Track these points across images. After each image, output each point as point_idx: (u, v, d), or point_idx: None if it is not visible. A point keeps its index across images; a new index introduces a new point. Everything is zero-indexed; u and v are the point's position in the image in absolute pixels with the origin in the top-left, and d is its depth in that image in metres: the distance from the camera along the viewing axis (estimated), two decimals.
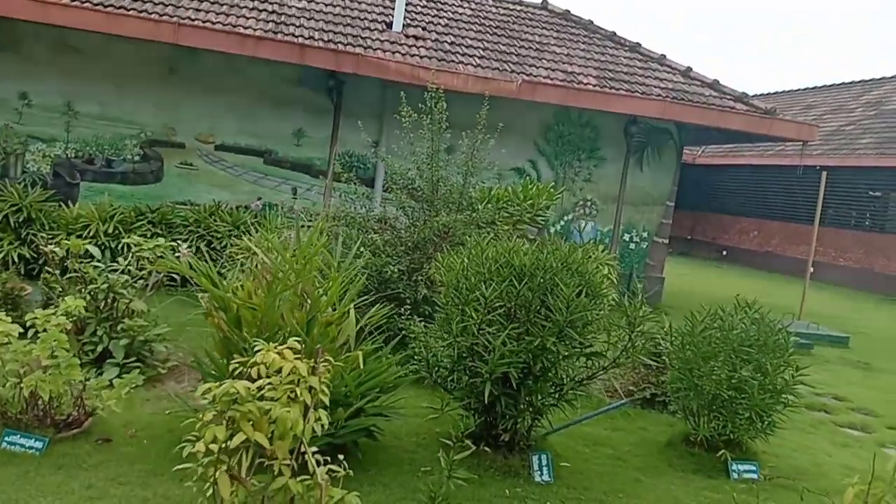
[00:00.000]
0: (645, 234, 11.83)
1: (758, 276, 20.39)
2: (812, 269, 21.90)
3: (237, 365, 2.91)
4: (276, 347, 2.84)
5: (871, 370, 8.99)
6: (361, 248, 6.26)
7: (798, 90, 27.85)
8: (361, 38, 9.89)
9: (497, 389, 4.14)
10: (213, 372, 4.19)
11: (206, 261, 4.90)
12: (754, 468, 4.75)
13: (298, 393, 2.76)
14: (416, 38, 10.37)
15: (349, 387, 4.06)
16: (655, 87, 10.82)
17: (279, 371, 2.77)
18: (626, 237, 11.78)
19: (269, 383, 2.75)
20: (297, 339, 3.02)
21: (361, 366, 3.96)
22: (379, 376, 4.31)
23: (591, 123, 11.29)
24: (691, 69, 11.54)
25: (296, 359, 2.81)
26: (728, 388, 4.60)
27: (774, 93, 28.85)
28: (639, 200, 11.69)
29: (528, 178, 10.75)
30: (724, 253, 25.41)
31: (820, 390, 7.56)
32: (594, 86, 10.28)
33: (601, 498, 4.21)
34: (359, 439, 4.31)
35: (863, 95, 24.01)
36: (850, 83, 25.84)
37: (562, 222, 11.44)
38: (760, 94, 28.74)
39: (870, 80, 25.13)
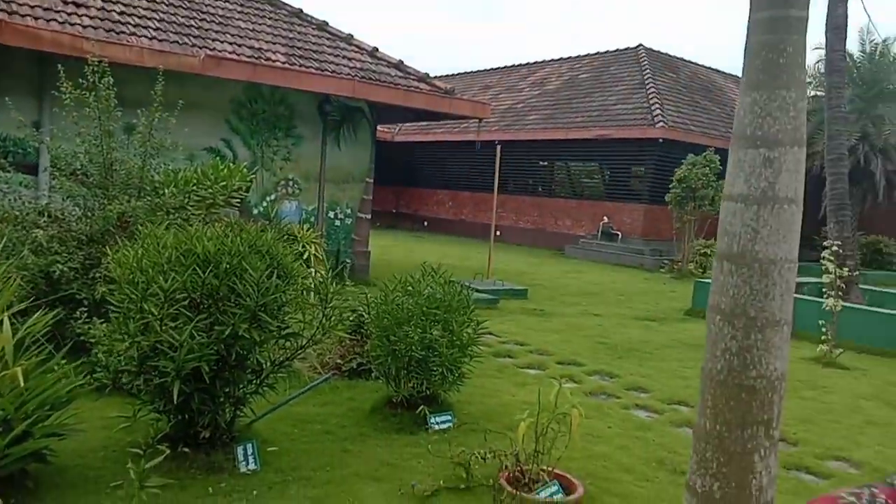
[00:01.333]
0: (349, 211, 12.09)
1: (455, 243, 22.17)
2: (498, 233, 24.52)
3: None
4: None
5: (545, 315, 10.35)
6: (20, 247, 5.43)
7: (477, 72, 30.63)
8: (5, 1, 8.45)
9: (189, 386, 3.89)
10: None
11: None
12: (449, 418, 5.17)
13: None
14: (76, 4, 9.17)
15: (7, 410, 3.49)
16: (345, 66, 11.02)
17: None
18: (331, 215, 11.92)
19: None
20: None
21: (22, 383, 3.44)
22: (47, 391, 3.77)
23: (286, 101, 11.13)
24: (377, 49, 11.97)
25: None
26: (421, 349, 4.91)
27: (458, 74, 31.38)
28: (340, 178, 11.88)
29: (221, 158, 10.24)
30: (426, 223, 27.23)
31: (505, 339, 8.51)
32: (283, 63, 10.12)
33: (309, 475, 4.22)
34: (28, 466, 3.75)
35: (529, 77, 27.27)
36: (519, 66, 29.15)
37: (265, 203, 11.16)
38: (444, 76, 31.06)
39: (533, 63, 28.62)
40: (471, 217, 25.53)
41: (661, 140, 18.62)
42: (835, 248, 8.08)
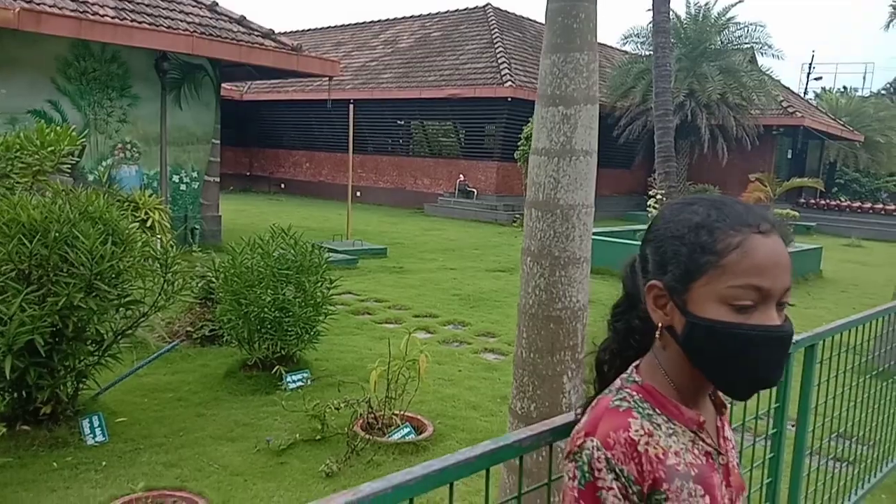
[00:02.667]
0: (195, 174, 11.63)
1: (314, 205, 21.88)
2: (358, 194, 24.46)
3: None
4: None
5: (403, 272, 10.61)
6: None
7: (329, 28, 29.91)
8: None
9: (24, 361, 3.74)
10: None
11: None
12: (306, 375, 5.28)
13: None
14: None
15: None
16: (182, 21, 10.47)
17: None
18: (176, 178, 11.41)
19: None
20: None
21: None
22: None
23: (118, 59, 10.42)
24: (217, 4, 11.44)
25: None
26: (274, 310, 4.96)
27: (308, 30, 30.49)
28: (183, 140, 11.36)
29: (48, 121, 9.48)
30: (283, 186, 26.58)
31: (364, 297, 8.67)
32: (112, 17, 9.45)
33: (161, 441, 4.21)
34: None
35: (381, 34, 27.04)
36: (371, 22, 28.79)
37: (101, 168, 10.48)
38: (293, 32, 30.10)
39: (385, 21, 28.37)
40: (330, 178, 25.26)
41: (509, 99, 19.27)
42: (659, 196, 8.89)
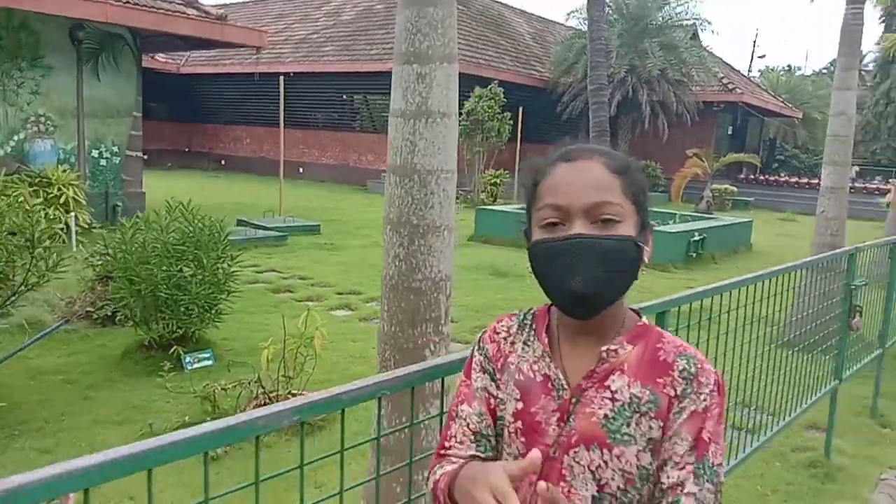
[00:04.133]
0: (115, 149, 11.15)
1: (253, 181, 21.37)
2: (301, 170, 23.99)
3: None
4: None
5: (335, 249, 10.40)
6: None
7: (269, 0, 29.05)
8: None
9: None
10: None
11: None
12: (209, 355, 5.08)
13: None
14: None
15: None
16: None
17: None
18: (95, 153, 10.92)
19: None
20: None
21: None
22: None
23: (28, 27, 9.86)
24: None
25: None
26: (168, 288, 4.74)
27: (250, 1, 29.59)
28: (102, 113, 10.86)
29: None
30: (223, 162, 25.88)
31: (288, 274, 8.45)
32: None
33: (40, 426, 3.98)
34: None
35: (323, 6, 26.38)
36: None
37: (12, 142, 9.95)
38: (233, 3, 29.17)
39: None
40: (270, 154, 24.63)
41: None
42: None
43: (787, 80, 31.93)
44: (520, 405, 1.10)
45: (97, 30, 10.32)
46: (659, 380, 1.04)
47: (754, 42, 49.18)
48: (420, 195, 2.36)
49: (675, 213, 12.16)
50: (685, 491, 1.00)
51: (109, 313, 5.81)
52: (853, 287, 3.73)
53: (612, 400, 1.04)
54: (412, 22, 2.33)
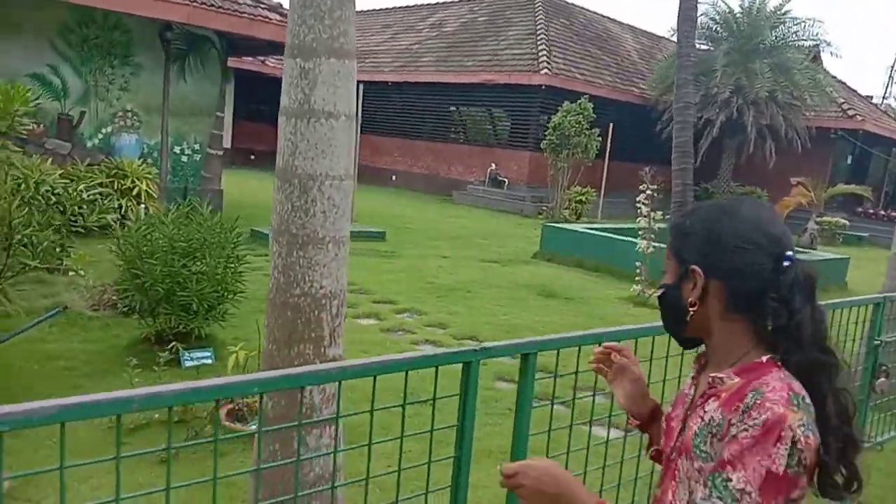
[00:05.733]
0: (197, 147, 11.62)
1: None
2: (394, 178, 24.30)
3: None
4: None
5: (392, 257, 10.32)
6: None
7: (379, 10, 29.76)
8: None
9: None
10: None
11: None
12: (209, 354, 5.05)
13: None
14: None
15: None
16: None
17: None
18: (177, 150, 11.43)
19: None
20: None
21: None
22: None
23: (121, 26, 10.45)
24: None
25: None
26: (168, 284, 4.75)
27: (359, 12, 30.43)
28: (186, 111, 11.35)
29: (47, 85, 9.64)
30: None
31: None
32: None
33: None
34: None
35: (429, 17, 26.70)
36: (420, 6, 28.47)
37: (100, 135, 10.57)
38: None
39: (435, 4, 28.00)
40: (368, 161, 25.10)
41: (543, 87, 18.67)
42: (649, 191, 8.30)
43: None
44: (668, 409, 1.36)
45: (185, 31, 10.79)
46: (732, 407, 1.12)
47: (891, 68, 45.35)
48: (300, 202, 2.15)
49: None
50: (696, 498, 1.11)
51: (135, 304, 5.97)
52: (878, 343, 3.16)
53: (701, 419, 1.17)
54: (297, 12, 2.13)
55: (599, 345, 1.52)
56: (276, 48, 12.42)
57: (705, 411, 1.17)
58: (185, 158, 11.48)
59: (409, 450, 2.66)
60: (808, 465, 1.08)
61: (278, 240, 2.21)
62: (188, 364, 4.93)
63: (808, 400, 1.10)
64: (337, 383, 1.59)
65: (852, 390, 1.35)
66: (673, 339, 1.33)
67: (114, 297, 5.95)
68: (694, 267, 1.19)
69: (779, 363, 1.15)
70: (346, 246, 2.28)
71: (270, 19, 10.78)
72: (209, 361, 5.06)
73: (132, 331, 5.53)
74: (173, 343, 4.87)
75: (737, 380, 1.15)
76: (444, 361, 1.68)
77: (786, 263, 1.13)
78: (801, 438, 1.06)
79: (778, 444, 1.05)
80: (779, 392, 1.09)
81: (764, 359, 1.16)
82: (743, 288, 1.16)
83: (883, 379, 3.19)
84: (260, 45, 12.05)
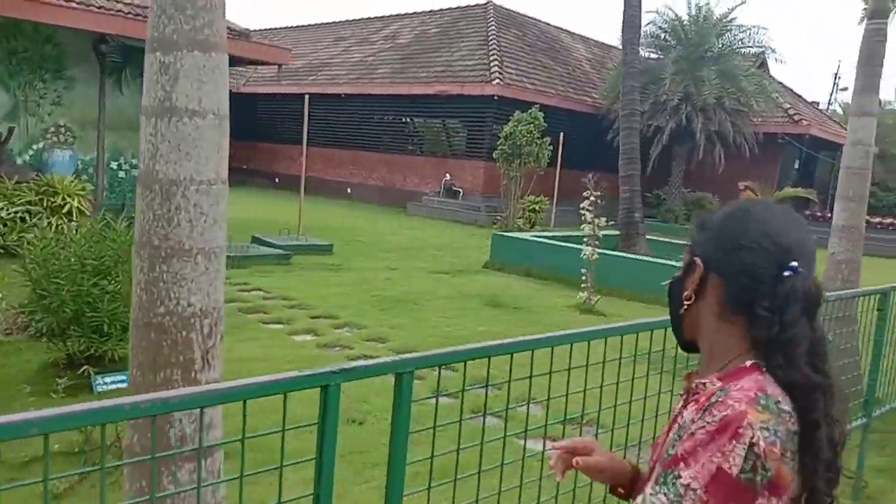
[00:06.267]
0: (135, 161, 11.23)
1: (295, 200, 21.46)
2: (349, 191, 24.05)
3: None
4: None
5: (339, 270, 10.08)
6: None
7: (332, 23, 29.56)
8: None
9: None
10: None
11: None
12: (124, 378, 4.76)
13: None
14: None
15: None
16: (120, 1, 10.07)
17: None
18: (114, 165, 11.04)
19: None
20: None
21: None
22: None
23: (53, 39, 10.08)
24: None
25: None
26: (80, 304, 4.47)
27: (310, 25, 30.21)
28: (124, 125, 10.98)
29: None
30: (277, 180, 26.25)
31: (271, 294, 8.16)
32: None
33: None
34: None
35: (383, 30, 26.59)
36: (373, 18, 28.37)
37: (31, 151, 10.14)
38: (295, 27, 29.86)
39: (388, 17, 27.93)
40: (322, 173, 24.81)
41: (496, 97, 18.66)
42: (592, 198, 8.24)
43: None
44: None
45: (121, 44, 10.45)
46: (699, 407, 1.07)
47: (836, 74, 46.76)
48: (162, 210, 1.95)
49: None
50: (645, 491, 1.04)
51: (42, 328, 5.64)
52: None
53: (678, 424, 1.12)
54: (159, 3, 1.93)
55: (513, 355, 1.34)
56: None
57: (683, 417, 1.13)
58: (122, 174, 11.10)
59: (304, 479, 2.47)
60: (771, 481, 0.98)
61: (140, 253, 2.00)
62: (101, 389, 4.64)
63: (784, 406, 1.02)
64: (218, 410, 1.39)
65: (847, 419, 1.19)
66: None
67: (27, 320, 5.62)
68: (696, 258, 1.16)
69: (762, 368, 1.07)
70: (221, 258, 2.08)
71: None
72: (124, 385, 4.77)
73: (42, 355, 5.20)
74: (84, 367, 4.58)
75: (718, 384, 1.11)
76: (296, 387, 1.50)
77: (786, 273, 1.07)
78: (762, 442, 0.97)
79: (733, 442, 0.98)
80: (746, 391, 1.03)
81: (748, 363, 1.10)
82: (739, 289, 1.11)
83: None
84: None
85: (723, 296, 1.13)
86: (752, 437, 0.97)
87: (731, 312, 1.12)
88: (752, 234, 1.12)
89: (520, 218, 16.84)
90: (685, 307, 1.18)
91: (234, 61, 12.14)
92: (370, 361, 1.58)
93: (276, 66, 12.04)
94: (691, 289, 1.17)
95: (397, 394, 1.63)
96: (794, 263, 1.09)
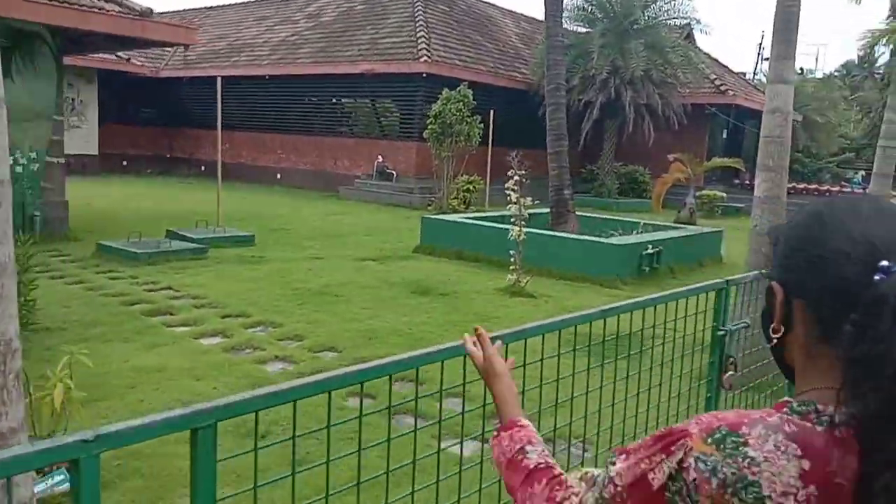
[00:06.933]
0: (33, 155, 10.42)
1: (225, 188, 20.63)
2: (279, 176, 23.29)
3: None
4: None
5: (259, 262, 9.58)
6: None
7: (253, 2, 28.42)
8: None
9: None
10: None
11: None
12: None
13: None
14: None
15: None
16: None
17: None
18: (10, 159, 10.18)
19: None
20: None
21: None
22: None
23: None
24: None
25: None
26: None
27: (232, 4, 29.01)
28: (17, 116, 10.04)
29: None
30: (203, 168, 25.21)
31: (181, 292, 7.62)
32: None
33: None
34: None
35: (306, 7, 25.69)
36: None
37: None
38: (219, 6, 28.64)
39: None
40: (249, 160, 23.96)
41: (424, 75, 18.24)
42: (517, 177, 7.99)
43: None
44: None
45: (7, 26, 9.58)
46: None
47: (759, 45, 47.96)
48: None
49: (639, 223, 11.23)
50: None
51: None
52: (722, 332, 2.85)
53: None
54: None
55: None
56: (116, 42, 11.37)
57: None
58: (19, 169, 10.26)
59: None
60: None
61: None
62: None
63: (753, 454, 0.82)
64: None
65: None
66: None
67: None
68: (772, 284, 0.96)
69: (791, 407, 0.87)
70: (9, 275, 1.67)
71: (107, 10, 9.75)
72: None
73: None
74: None
75: None
76: (43, 461, 1.13)
77: (877, 277, 0.83)
78: (693, 471, 0.84)
79: (662, 455, 0.89)
80: (712, 418, 0.89)
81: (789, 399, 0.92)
82: (824, 309, 0.88)
83: (731, 373, 2.88)
84: (97, 39, 10.94)
85: (806, 322, 0.92)
86: (681, 460, 0.86)
87: (818, 341, 0.90)
88: (828, 240, 0.90)
89: (454, 199, 16.54)
90: (773, 342, 0.97)
91: (137, 43, 11.40)
92: (136, 422, 1.21)
93: (184, 47, 11.27)
94: (777, 320, 0.96)
95: (194, 450, 1.27)
96: (885, 263, 0.85)
